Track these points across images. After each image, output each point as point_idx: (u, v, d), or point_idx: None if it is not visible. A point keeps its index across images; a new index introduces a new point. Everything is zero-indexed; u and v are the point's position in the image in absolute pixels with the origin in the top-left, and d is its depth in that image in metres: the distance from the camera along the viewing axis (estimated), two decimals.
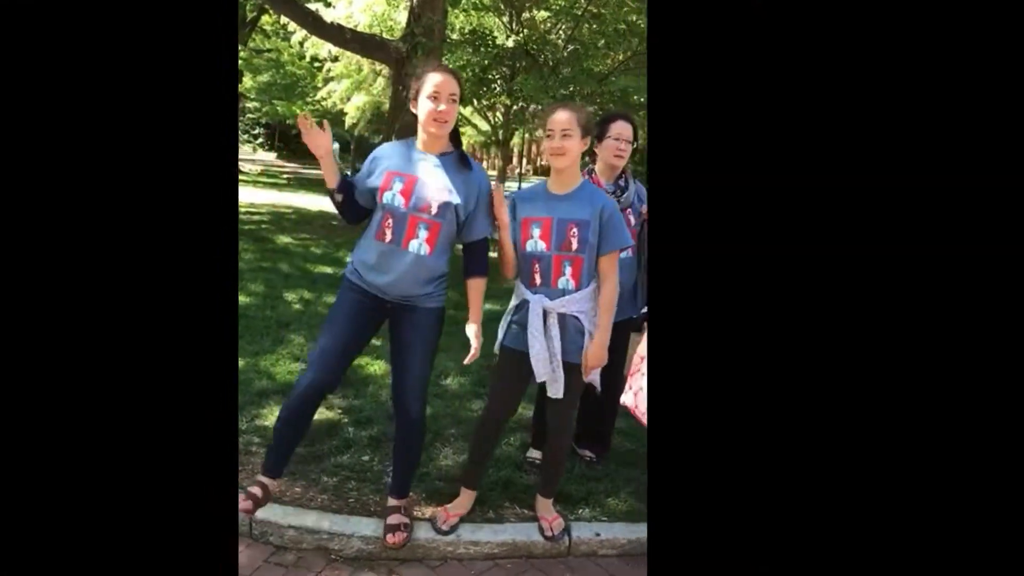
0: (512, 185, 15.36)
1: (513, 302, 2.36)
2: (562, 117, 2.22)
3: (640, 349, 1.70)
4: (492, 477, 2.67)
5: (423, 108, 2.15)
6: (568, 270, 2.23)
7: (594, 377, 2.29)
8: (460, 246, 2.32)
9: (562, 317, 2.24)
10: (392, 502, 2.36)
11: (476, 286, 2.28)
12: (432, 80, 2.14)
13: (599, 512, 2.56)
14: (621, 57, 9.28)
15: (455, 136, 2.27)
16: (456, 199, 2.16)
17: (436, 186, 2.16)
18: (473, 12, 10.12)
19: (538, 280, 2.26)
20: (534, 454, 2.89)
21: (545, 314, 2.23)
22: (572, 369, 2.26)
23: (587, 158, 2.86)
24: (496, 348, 2.38)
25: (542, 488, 2.48)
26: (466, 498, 2.45)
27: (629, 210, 2.74)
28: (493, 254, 2.33)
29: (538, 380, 2.26)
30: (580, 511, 2.56)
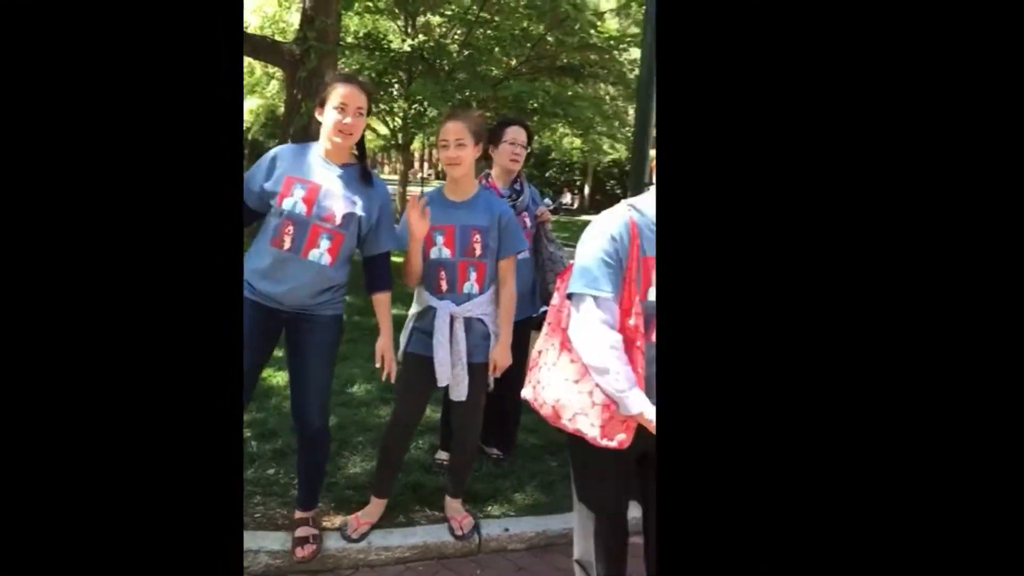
0: (415, 189, 15.26)
1: (415, 309, 2.39)
2: (454, 127, 2.26)
3: (537, 344, 1.77)
4: (401, 481, 2.69)
5: (328, 118, 2.13)
6: (473, 275, 2.30)
7: (489, 377, 2.39)
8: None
9: (468, 320, 2.31)
10: (299, 515, 2.33)
11: (383, 301, 2.28)
12: (339, 92, 2.11)
13: (507, 508, 2.63)
14: (514, 63, 9.44)
15: (360, 149, 2.26)
16: (360, 211, 2.15)
17: (340, 196, 2.13)
18: (367, 15, 10.02)
19: (444, 286, 2.30)
20: (442, 456, 2.93)
21: (451, 319, 2.28)
22: (477, 370, 2.33)
23: (483, 162, 2.93)
24: (399, 356, 2.40)
25: (451, 489, 2.52)
26: (376, 507, 2.45)
27: (525, 213, 2.82)
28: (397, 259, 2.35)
29: (440, 384, 2.31)
30: (489, 508, 2.62)
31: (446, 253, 2.29)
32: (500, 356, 2.35)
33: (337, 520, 2.44)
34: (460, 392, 2.32)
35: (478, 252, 2.29)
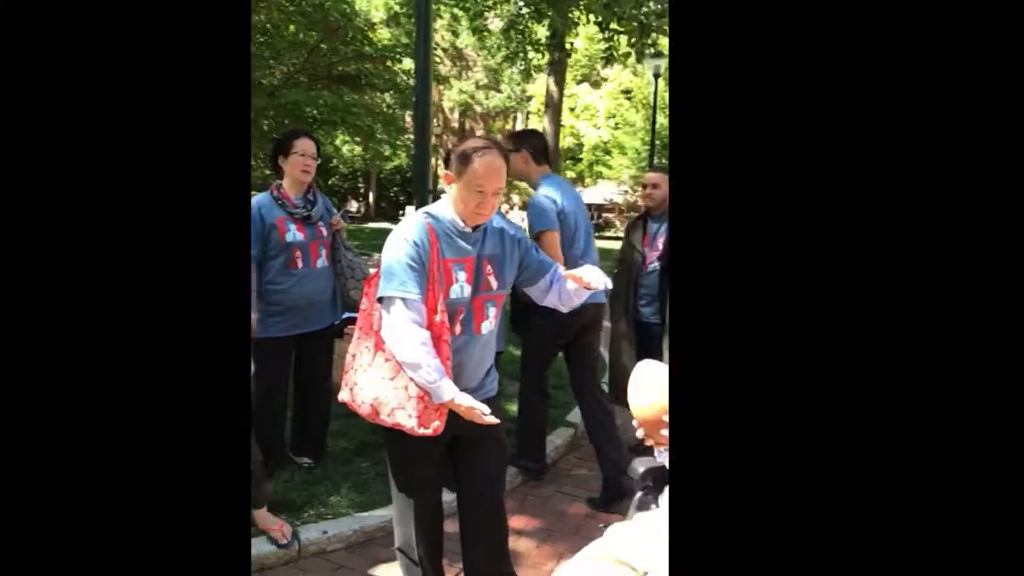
0: None
1: None
2: None
3: (350, 349, 1.88)
4: None
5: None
6: None
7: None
8: None
9: None
10: None
11: None
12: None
13: (324, 511, 2.69)
14: (287, 70, 9.22)
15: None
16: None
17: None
18: None
19: None
20: None
21: None
22: None
23: (273, 173, 2.94)
24: None
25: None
26: None
27: (320, 223, 2.88)
28: None
29: None
30: (306, 515, 2.66)
31: None
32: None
33: None
34: None
35: None
